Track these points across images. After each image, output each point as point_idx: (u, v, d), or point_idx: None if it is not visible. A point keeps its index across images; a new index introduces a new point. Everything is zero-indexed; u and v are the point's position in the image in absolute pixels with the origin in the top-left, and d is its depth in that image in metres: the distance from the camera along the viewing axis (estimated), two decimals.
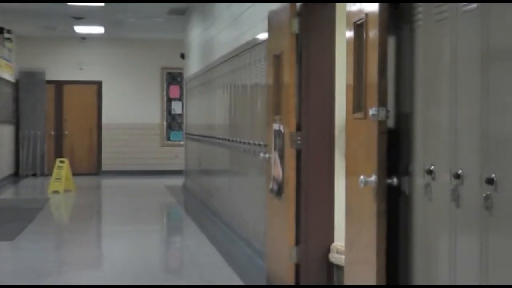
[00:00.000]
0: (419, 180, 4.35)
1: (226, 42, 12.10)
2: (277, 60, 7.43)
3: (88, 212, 14.82)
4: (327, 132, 7.06)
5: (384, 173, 4.53)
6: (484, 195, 3.57)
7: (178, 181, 18.74)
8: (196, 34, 16.40)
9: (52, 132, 22.17)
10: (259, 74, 9.28)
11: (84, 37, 21.68)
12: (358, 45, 4.93)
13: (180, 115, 22.14)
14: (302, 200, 7.01)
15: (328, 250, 6.98)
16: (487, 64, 3.61)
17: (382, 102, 4.52)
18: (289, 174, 7.01)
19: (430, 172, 4.16)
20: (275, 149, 7.46)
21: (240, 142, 10.39)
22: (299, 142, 6.99)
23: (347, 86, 5.19)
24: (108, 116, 22.29)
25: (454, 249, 3.92)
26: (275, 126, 7.43)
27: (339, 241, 7.02)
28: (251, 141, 9.66)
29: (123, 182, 20.15)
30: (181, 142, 20.80)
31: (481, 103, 3.65)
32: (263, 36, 9.11)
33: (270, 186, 7.53)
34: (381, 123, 4.52)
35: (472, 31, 3.77)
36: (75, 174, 18.70)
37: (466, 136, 3.84)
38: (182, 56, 18.50)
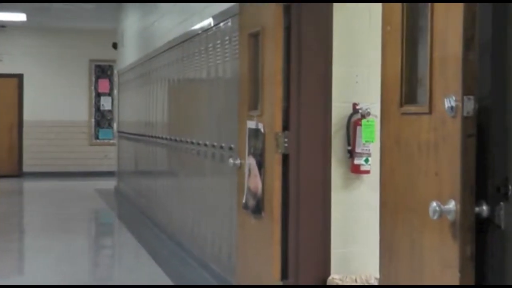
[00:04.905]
0: None
1: (171, 27, 10.44)
2: (254, 40, 5.82)
3: (6, 223, 12.87)
4: (322, 131, 5.47)
5: (471, 198, 2.95)
6: None
7: (109, 183, 17.10)
8: (131, 20, 14.69)
9: None
10: (219, 60, 7.65)
11: (3, 25, 20.01)
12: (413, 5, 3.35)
13: (110, 111, 20.54)
14: (290, 220, 5.40)
15: (324, 285, 5.39)
16: None
17: (469, 89, 2.94)
18: (273, 186, 5.40)
19: None
20: (249, 153, 5.85)
21: (192, 143, 8.74)
22: (286, 144, 5.38)
23: (385, 64, 3.61)
24: (31, 112, 20.68)
25: None
26: (251, 124, 5.81)
27: (337, 273, 5.46)
28: (207, 142, 8.03)
29: (47, 185, 18.40)
30: (112, 141, 19.22)
31: None
32: (222, 15, 7.53)
33: (244, 201, 5.91)
34: (468, 121, 2.94)
35: None
36: None
37: None
38: (115, 46, 16.82)
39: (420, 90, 3.34)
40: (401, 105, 3.45)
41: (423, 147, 3.24)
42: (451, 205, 2.97)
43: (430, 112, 3.17)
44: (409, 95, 3.42)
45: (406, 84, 3.43)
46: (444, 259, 3.04)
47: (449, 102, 2.98)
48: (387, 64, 3.60)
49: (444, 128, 3.05)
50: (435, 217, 2.98)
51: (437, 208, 2.98)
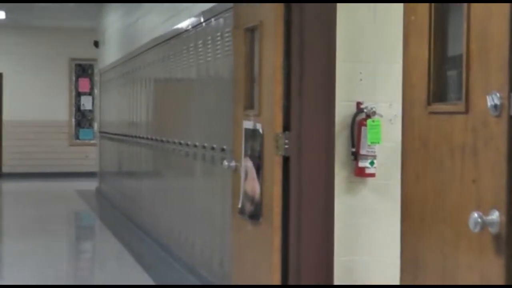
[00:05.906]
0: None
1: (157, 24, 10.09)
2: (250, 35, 5.47)
3: None
4: (325, 132, 5.11)
5: None
6: None
7: (90, 184, 16.71)
8: (114, 18, 14.29)
9: None
10: (210, 57, 7.29)
11: None
12: None
13: (91, 111, 20.13)
14: (290, 226, 5.04)
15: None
16: None
17: None
18: (273, 191, 5.04)
19: None
20: (246, 155, 5.49)
21: (180, 144, 8.36)
22: (287, 146, 5.02)
23: (408, 58, 3.27)
24: (10, 112, 20.32)
25: None
26: (248, 125, 5.45)
27: (340, 282, 5.11)
28: (197, 143, 7.67)
29: (27, 186, 18.01)
30: (92, 141, 18.81)
31: None
32: (213, 11, 7.18)
33: (240, 206, 5.55)
34: None
35: None
36: None
37: None
38: (96, 44, 16.42)
39: (452, 86, 2.99)
40: (428, 104, 3.11)
41: (457, 150, 2.89)
42: (495, 216, 2.63)
43: (466, 112, 2.83)
44: (438, 92, 3.07)
45: (435, 80, 3.08)
46: (485, 276, 2.70)
47: (492, 99, 2.64)
48: (411, 57, 3.25)
49: (485, 129, 2.71)
50: (477, 230, 2.64)
51: (479, 220, 2.64)
